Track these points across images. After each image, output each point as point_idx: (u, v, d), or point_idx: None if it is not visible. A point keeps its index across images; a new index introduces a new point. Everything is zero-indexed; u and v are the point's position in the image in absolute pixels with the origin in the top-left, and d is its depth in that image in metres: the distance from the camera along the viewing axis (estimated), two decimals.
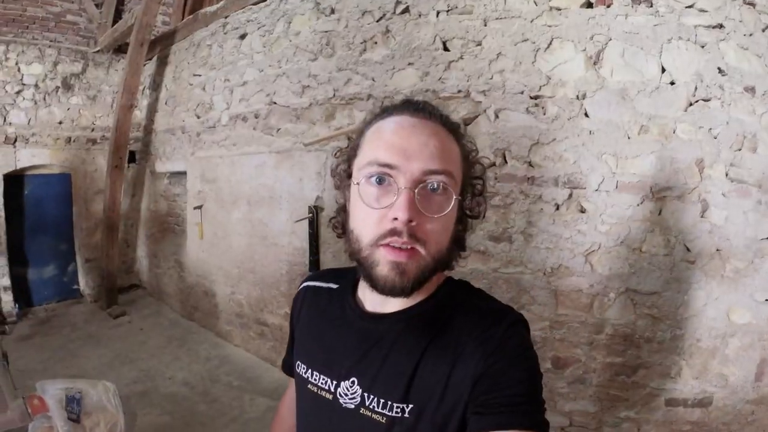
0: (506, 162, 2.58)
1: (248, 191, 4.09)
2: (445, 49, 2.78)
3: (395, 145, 0.73)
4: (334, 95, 3.35)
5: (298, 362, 0.95)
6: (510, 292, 2.62)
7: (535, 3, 2.55)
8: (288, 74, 3.68)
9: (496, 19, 2.63)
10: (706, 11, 2.33)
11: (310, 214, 3.43)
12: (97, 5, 5.87)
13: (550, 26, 2.51)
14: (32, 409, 1.58)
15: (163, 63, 5.48)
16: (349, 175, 0.81)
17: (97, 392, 1.79)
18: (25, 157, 5.28)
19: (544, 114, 2.49)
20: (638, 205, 2.39)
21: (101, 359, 4.23)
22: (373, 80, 3.11)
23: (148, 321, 5.28)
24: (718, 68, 2.32)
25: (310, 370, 0.90)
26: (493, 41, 2.62)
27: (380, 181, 0.73)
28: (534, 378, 0.73)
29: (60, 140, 5.47)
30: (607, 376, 2.55)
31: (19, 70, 5.19)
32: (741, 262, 2.34)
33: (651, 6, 2.37)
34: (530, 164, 2.54)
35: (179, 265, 5.28)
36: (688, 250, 2.36)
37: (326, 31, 3.43)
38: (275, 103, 3.81)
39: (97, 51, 5.66)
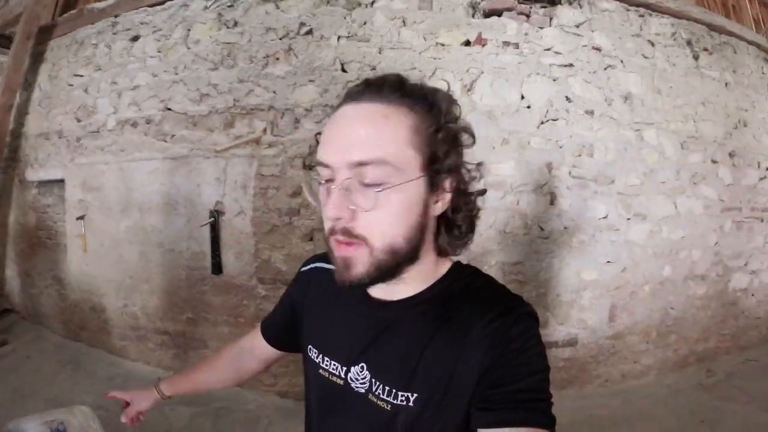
0: None
1: (140, 198, 4.47)
2: (343, 70, 3.54)
3: (329, 141, 0.81)
4: (234, 105, 3.92)
5: (310, 346, 1.06)
6: None
7: (424, 38, 3.56)
8: (185, 81, 4.18)
9: (390, 48, 3.54)
10: (561, 53, 3.63)
11: (212, 218, 3.95)
12: None
13: (435, 58, 3.52)
14: None
15: (37, 60, 5.61)
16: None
17: (77, 419, 1.81)
18: None
19: None
20: (501, 198, 3.58)
21: (1, 397, 4.26)
22: (275, 93, 3.75)
23: (32, 347, 5.32)
24: (566, 96, 3.55)
25: (321, 355, 1.01)
26: (386, 67, 3.48)
27: (325, 179, 0.82)
28: (541, 372, 0.80)
29: None
30: None
31: None
32: (585, 236, 3.71)
33: (517, 48, 3.58)
34: None
35: (58, 282, 5.45)
36: (542, 229, 3.64)
37: (228, 43, 4.00)
38: (170, 109, 4.27)
39: None
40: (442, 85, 2.75)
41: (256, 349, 1.33)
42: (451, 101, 0.88)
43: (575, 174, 3.72)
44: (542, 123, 3.64)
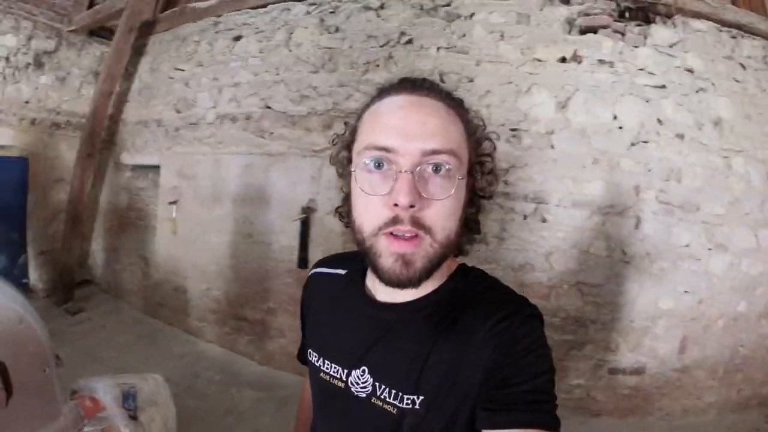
0: None
1: (233, 190, 4.95)
2: (442, 80, 3.83)
3: (392, 127, 0.81)
4: (333, 108, 4.33)
5: (310, 350, 1.09)
6: None
7: (521, 53, 3.81)
8: (286, 82, 4.63)
9: (488, 61, 3.83)
10: (654, 74, 3.76)
11: (304, 215, 4.37)
12: None
13: (531, 74, 3.77)
14: (85, 410, 1.67)
15: (138, 53, 6.24)
16: (350, 161, 0.91)
17: (149, 386, 1.92)
18: None
19: (520, 143, 3.72)
20: (588, 218, 3.75)
21: (69, 359, 4.45)
22: None
23: (108, 318, 5.86)
24: (658, 119, 3.74)
25: (321, 359, 1.04)
26: (483, 80, 3.80)
27: (378, 165, 0.81)
28: (546, 374, 0.83)
29: (25, 121, 6.00)
30: (562, 351, 3.80)
31: None
32: (666, 263, 3.81)
33: (612, 66, 3.75)
34: (506, 182, 3.76)
35: (144, 260, 6.04)
36: (624, 253, 3.78)
37: (330, 48, 4.43)
38: (270, 107, 4.73)
39: (72, 30, 6.29)
40: (534, 100, 3.49)
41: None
42: (473, 112, 0.96)
43: (662, 199, 3.81)
44: (633, 144, 3.77)
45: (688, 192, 3.86)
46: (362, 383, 0.94)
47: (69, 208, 6.14)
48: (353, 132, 0.94)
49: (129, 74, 6.36)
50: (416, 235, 0.81)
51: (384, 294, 0.96)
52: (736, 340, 4.14)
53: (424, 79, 0.92)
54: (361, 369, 0.95)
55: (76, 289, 6.42)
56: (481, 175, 0.94)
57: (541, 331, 0.89)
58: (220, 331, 5.14)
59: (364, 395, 0.94)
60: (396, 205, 0.79)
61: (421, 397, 0.87)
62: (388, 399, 0.90)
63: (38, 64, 6.04)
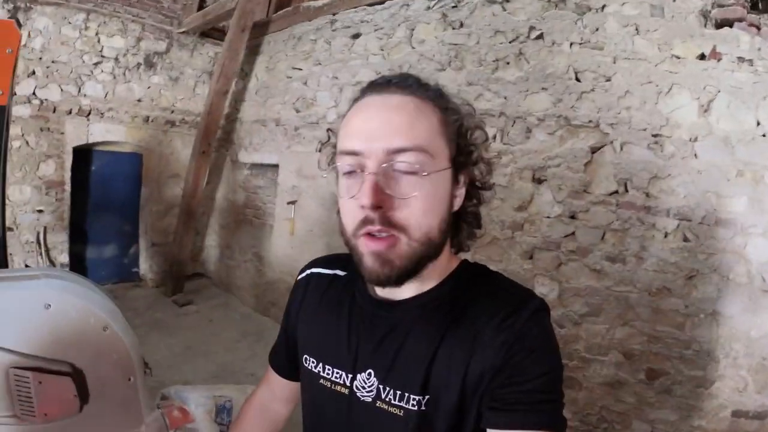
0: (627, 191, 3.76)
1: None
2: (577, 79, 3.96)
3: (358, 130, 0.87)
4: None
5: (306, 356, 1.10)
6: (618, 309, 3.79)
7: (658, 48, 3.76)
8: None
9: (625, 58, 3.82)
10: None
11: None
12: None
13: (671, 72, 3.72)
14: (171, 421, 1.66)
15: (253, 52, 6.75)
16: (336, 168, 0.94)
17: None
18: (99, 132, 6.43)
19: (662, 151, 3.69)
20: (730, 239, 3.58)
21: (171, 349, 4.98)
22: (506, 98, 4.27)
23: (216, 312, 6.34)
24: None
25: (321, 364, 1.06)
26: (621, 79, 3.82)
27: (351, 169, 0.87)
28: (553, 371, 0.86)
29: (137, 118, 6.71)
30: (688, 388, 3.72)
31: (99, 41, 6.30)
32: None
33: (751, 65, 3.59)
34: (647, 195, 3.72)
35: (258, 258, 6.52)
36: (764, 280, 3.55)
37: (455, 44, 4.62)
38: None
39: (183, 32, 6.94)
40: (675, 102, 3.46)
41: (276, 389, 1.35)
42: (460, 100, 0.98)
43: None
44: None
45: None
46: (368, 387, 0.97)
47: (183, 203, 6.70)
48: (336, 138, 0.98)
49: (244, 74, 6.89)
50: (392, 235, 0.85)
51: (385, 292, 0.99)
52: None
53: (395, 76, 0.95)
54: (367, 372, 0.98)
55: (187, 282, 6.99)
56: (473, 165, 0.97)
57: (549, 327, 0.91)
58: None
59: (370, 399, 0.96)
60: (362, 206, 0.83)
61: (428, 397, 0.90)
62: (393, 401, 0.93)
63: (149, 65, 6.74)
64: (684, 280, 3.65)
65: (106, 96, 6.42)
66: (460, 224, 1.00)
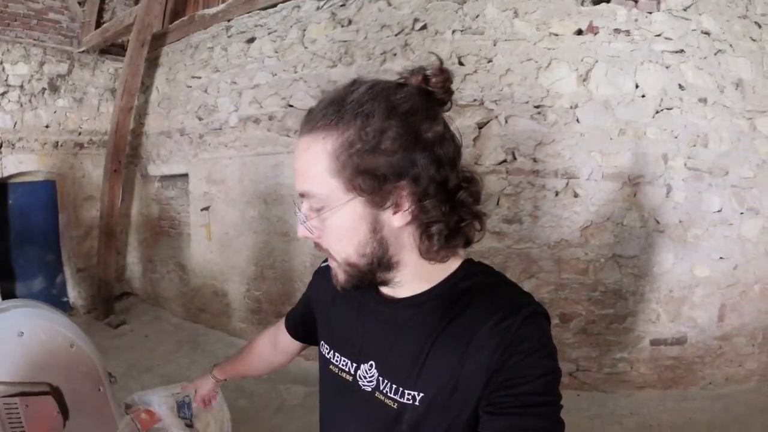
0: (515, 159, 3.84)
1: (264, 190, 5.10)
2: (461, 63, 3.93)
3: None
4: None
5: (322, 342, 1.15)
6: (522, 264, 3.91)
7: (537, 29, 3.83)
8: (305, 79, 4.75)
9: (505, 40, 3.86)
10: (671, 39, 3.78)
11: None
12: (79, 3, 6.67)
13: (549, 49, 3.80)
14: (141, 424, 1.71)
15: (152, 65, 6.43)
16: None
17: None
18: (12, 164, 5.95)
19: (545, 120, 3.78)
20: (619, 190, 3.82)
21: (115, 371, 4.64)
22: None
23: (150, 327, 6.11)
24: (679, 84, 3.77)
25: (332, 351, 1.10)
26: (502, 59, 3.84)
27: None
28: (550, 374, 0.83)
29: (47, 145, 6.24)
30: (603, 325, 3.93)
31: (3, 70, 5.83)
32: (699, 230, 3.88)
33: (628, 35, 3.77)
34: (534, 160, 3.84)
35: (181, 267, 6.25)
36: (658, 222, 3.85)
37: (345, 41, 4.52)
38: (292, 106, 4.86)
39: (83, 51, 6.52)
40: (555, 75, 3.55)
41: (281, 341, 1.50)
42: (388, 104, 0.82)
43: (690, 165, 3.86)
44: (657, 112, 3.80)
45: (716, 157, 3.90)
46: (369, 377, 0.99)
47: (102, 224, 6.36)
48: None
49: (146, 87, 6.56)
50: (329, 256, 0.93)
51: (387, 289, 0.99)
52: None
53: (312, 108, 0.89)
54: (369, 363, 1.00)
55: (116, 302, 6.68)
56: (396, 181, 0.83)
57: (546, 330, 0.88)
58: (264, 329, 5.25)
59: (370, 389, 0.98)
60: None
61: (422, 394, 0.90)
62: (389, 393, 0.94)
63: (54, 88, 6.29)
64: (580, 231, 3.89)
65: (15, 126, 5.96)
66: (425, 236, 0.90)
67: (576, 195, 3.87)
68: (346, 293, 0.96)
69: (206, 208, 5.73)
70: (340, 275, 0.92)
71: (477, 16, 3.99)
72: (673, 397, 3.99)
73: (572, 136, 3.82)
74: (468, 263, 0.98)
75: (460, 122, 3.92)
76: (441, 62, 0.93)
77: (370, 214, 0.85)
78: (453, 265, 0.96)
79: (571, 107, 3.79)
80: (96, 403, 1.61)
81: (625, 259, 3.92)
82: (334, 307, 1.14)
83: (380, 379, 0.96)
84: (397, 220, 0.86)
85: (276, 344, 1.53)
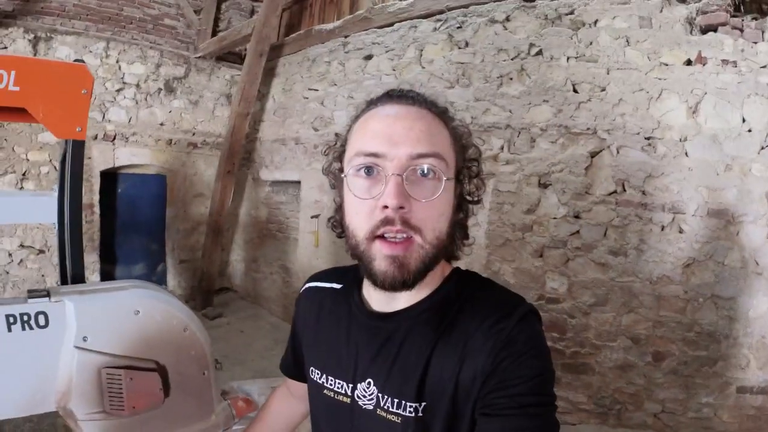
0: (625, 190, 4.19)
1: None
2: (575, 90, 4.36)
3: (380, 133, 0.92)
4: (471, 122, 4.85)
5: (311, 368, 1.17)
6: (623, 297, 4.21)
7: (648, 58, 4.18)
8: None
9: (618, 69, 4.25)
10: None
11: None
12: (195, 11, 7.63)
13: (660, 79, 4.14)
14: (237, 410, 1.82)
15: (269, 75, 7.24)
16: (342, 171, 1.01)
17: None
18: (124, 156, 6.88)
19: (655, 152, 4.11)
20: (723, 228, 4.03)
21: None
22: (511, 112, 4.67)
23: (246, 323, 6.75)
24: None
25: (324, 375, 1.12)
26: (615, 88, 4.24)
27: (368, 171, 0.91)
28: (544, 374, 0.89)
29: (161, 141, 7.18)
30: (694, 368, 4.13)
31: (119, 68, 6.79)
32: None
33: (735, 66, 4.02)
34: (644, 193, 4.14)
35: (284, 270, 6.99)
36: (757, 264, 4.00)
37: (462, 63, 5.04)
38: None
39: (200, 57, 7.46)
40: (665, 106, 4.05)
41: (292, 388, 1.45)
42: (459, 119, 1.05)
43: None
44: (762, 148, 3.93)
45: None
46: (368, 396, 1.01)
47: (210, 220, 7.17)
48: (344, 143, 1.04)
49: (261, 95, 7.37)
50: (408, 238, 0.89)
51: (379, 304, 1.05)
52: None
53: (409, 90, 1.02)
54: (367, 381, 1.02)
55: (215, 296, 7.43)
56: (468, 179, 1.02)
57: (539, 331, 0.94)
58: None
59: (371, 407, 1.00)
60: (386, 207, 0.87)
61: (423, 404, 0.94)
62: (391, 409, 0.97)
63: (169, 89, 7.24)
64: (682, 268, 4.10)
65: (129, 121, 6.86)
66: (453, 233, 1.01)
67: (681, 231, 4.10)
68: (401, 289, 0.93)
69: (316, 216, 6.34)
70: (415, 264, 0.90)
71: (590, 43, 4.33)
72: None
73: (680, 170, 4.07)
74: (457, 271, 1.08)
75: (573, 150, 4.31)
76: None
77: (453, 199, 0.98)
78: (444, 272, 1.05)
79: (680, 140, 4.05)
80: (198, 385, 1.72)
81: (723, 300, 4.05)
82: (320, 331, 1.18)
83: (380, 395, 0.99)
84: (456, 211, 1.00)
85: (292, 394, 1.47)
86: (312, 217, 6.41)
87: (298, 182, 6.77)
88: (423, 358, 0.95)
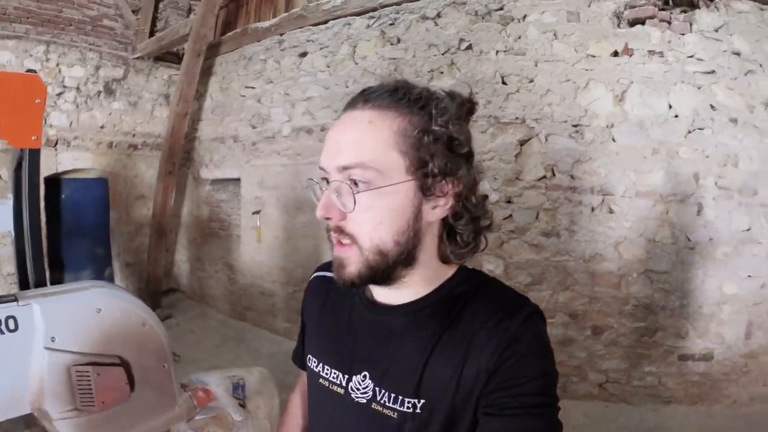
0: (554, 175, 4.21)
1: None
2: (503, 83, 4.33)
3: (324, 148, 0.92)
4: None
5: (309, 356, 1.14)
6: (558, 276, 4.25)
7: (575, 50, 4.20)
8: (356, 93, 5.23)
9: (545, 61, 4.25)
10: (703, 60, 4.09)
11: None
12: (133, 11, 7.31)
13: (587, 70, 4.17)
14: (198, 401, 1.83)
15: (206, 73, 6.99)
16: None
17: (254, 377, 2.08)
18: (67, 161, 6.55)
19: (582, 138, 4.15)
20: (652, 207, 4.12)
21: None
22: None
23: (195, 323, 6.56)
24: (710, 105, 4.09)
25: (321, 364, 1.09)
26: (542, 79, 4.24)
27: (327, 182, 0.92)
28: (547, 375, 0.87)
29: (102, 145, 6.88)
30: (633, 338, 4.21)
31: (60, 71, 6.45)
32: (728, 248, 4.13)
33: (662, 56, 4.10)
34: (572, 177, 4.19)
35: (229, 267, 6.78)
36: (689, 239, 4.12)
37: (394, 58, 4.97)
38: None
39: (138, 57, 7.15)
40: (592, 95, 4.03)
41: (304, 378, 1.34)
42: (454, 105, 0.93)
43: (720, 184, 4.09)
44: (689, 132, 4.07)
45: (746, 176, 4.13)
46: (363, 389, 0.98)
47: (153, 222, 6.92)
48: None
49: (199, 94, 7.12)
50: (349, 244, 0.89)
51: (381, 296, 1.01)
52: None
53: (376, 86, 0.95)
54: (362, 374, 0.99)
55: (163, 297, 7.19)
56: (444, 175, 0.90)
57: (543, 331, 0.91)
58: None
59: (365, 401, 0.97)
60: None
61: (422, 401, 0.90)
62: (388, 403, 0.93)
63: (109, 91, 6.93)
64: (614, 246, 4.19)
65: (71, 125, 6.55)
66: (448, 235, 0.97)
67: (611, 211, 4.19)
68: (351, 288, 0.94)
69: (257, 212, 6.21)
70: (355, 267, 0.90)
71: (519, 38, 4.34)
72: (698, 413, 4.14)
73: (608, 155, 4.16)
74: (463, 269, 1.02)
75: (503, 139, 4.30)
76: (471, 91, 1.02)
77: (418, 201, 0.89)
78: (449, 271, 1.00)
79: (607, 127, 4.13)
80: (160, 378, 1.74)
81: (656, 274, 4.18)
82: (321, 319, 1.15)
83: (377, 389, 0.96)
84: (435, 215, 0.92)
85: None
86: (253, 213, 6.27)
87: (238, 179, 6.61)
88: (424, 354, 0.92)
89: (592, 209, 4.22)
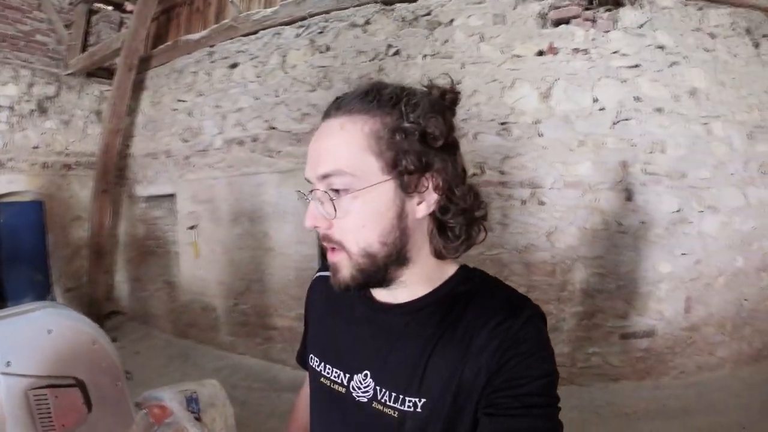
0: (484, 172, 4.13)
1: (249, 208, 5.32)
2: None
3: (307, 159, 0.90)
4: None
5: (311, 355, 1.11)
6: (494, 269, 4.11)
7: (501, 51, 4.15)
8: (287, 103, 4.99)
9: (472, 63, 4.18)
10: (627, 55, 4.07)
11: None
12: (66, 26, 6.83)
13: (513, 69, 4.11)
14: (155, 418, 1.80)
15: (138, 88, 6.62)
16: None
17: (207, 390, 2.04)
18: (2, 184, 6.08)
19: (510, 135, 4.09)
20: (581, 196, 4.10)
21: None
22: None
23: (140, 344, 6.22)
24: (635, 96, 4.06)
25: (322, 363, 1.05)
26: (470, 81, 4.15)
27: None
28: (549, 376, 0.84)
29: (36, 165, 6.39)
30: (573, 322, 4.19)
31: None
32: (659, 229, 4.15)
33: (587, 53, 4.08)
34: (502, 173, 4.13)
35: (169, 285, 6.42)
36: (620, 224, 4.12)
37: (323, 66, 4.80)
38: (274, 128, 5.10)
39: (70, 73, 6.69)
40: (518, 94, 3.94)
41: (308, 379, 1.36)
42: (428, 99, 0.90)
43: (649, 170, 4.11)
44: (615, 123, 4.09)
45: (673, 161, 4.17)
46: (364, 388, 0.96)
47: (91, 243, 6.54)
48: None
49: (131, 109, 6.74)
50: (339, 249, 0.88)
51: (383, 295, 0.98)
52: (739, 295, 4.41)
53: (340, 96, 0.92)
54: (363, 373, 0.96)
55: (106, 321, 6.77)
56: (423, 170, 0.87)
57: (544, 332, 0.89)
58: (252, 342, 5.50)
59: (366, 400, 0.94)
60: None
61: (423, 400, 0.88)
62: (389, 402, 0.91)
63: (42, 110, 6.47)
64: (546, 236, 4.18)
65: (5, 146, 6.11)
66: (439, 231, 0.93)
67: (541, 203, 4.16)
68: (347, 292, 0.91)
69: (193, 227, 5.92)
70: (347, 270, 0.88)
71: (446, 41, 4.30)
72: (647, 387, 4.18)
73: (535, 150, 4.14)
74: (464, 269, 1.00)
75: None
76: (452, 81, 1.00)
77: (400, 200, 0.87)
78: (450, 270, 0.97)
79: (533, 123, 4.10)
80: (114, 397, 1.69)
81: (589, 260, 4.18)
82: (323, 318, 1.12)
83: (378, 388, 0.93)
84: (420, 211, 0.89)
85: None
86: (189, 228, 5.97)
87: (173, 195, 6.29)
88: (425, 353, 0.90)
89: (523, 202, 4.21)
